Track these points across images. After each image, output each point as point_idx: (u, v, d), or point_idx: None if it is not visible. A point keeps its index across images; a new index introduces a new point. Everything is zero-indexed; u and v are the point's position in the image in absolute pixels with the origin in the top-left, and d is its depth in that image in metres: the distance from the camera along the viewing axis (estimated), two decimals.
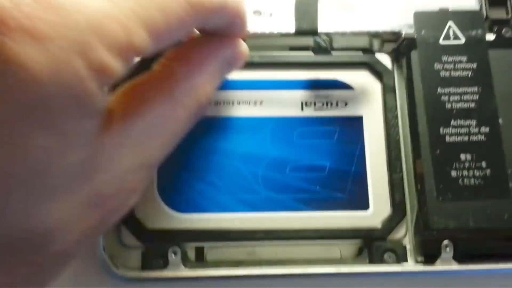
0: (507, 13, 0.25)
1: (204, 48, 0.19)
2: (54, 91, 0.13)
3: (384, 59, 0.24)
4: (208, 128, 0.23)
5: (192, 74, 0.18)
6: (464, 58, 0.23)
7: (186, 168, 0.22)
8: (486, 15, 0.25)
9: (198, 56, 0.18)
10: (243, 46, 0.21)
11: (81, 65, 0.13)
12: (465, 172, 0.22)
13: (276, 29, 0.24)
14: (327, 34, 0.24)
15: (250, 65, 0.23)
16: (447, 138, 0.22)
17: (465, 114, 0.22)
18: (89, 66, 0.13)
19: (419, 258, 0.22)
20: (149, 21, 0.15)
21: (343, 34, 0.24)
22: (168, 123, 0.18)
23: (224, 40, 0.20)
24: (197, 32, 0.19)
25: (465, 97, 0.22)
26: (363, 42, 0.24)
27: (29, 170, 0.14)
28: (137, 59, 0.18)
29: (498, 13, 0.25)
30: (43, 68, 0.12)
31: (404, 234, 0.22)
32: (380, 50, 0.25)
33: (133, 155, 0.17)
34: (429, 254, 0.22)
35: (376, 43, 0.24)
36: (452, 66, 0.23)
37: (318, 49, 0.24)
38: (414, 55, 0.23)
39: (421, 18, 0.24)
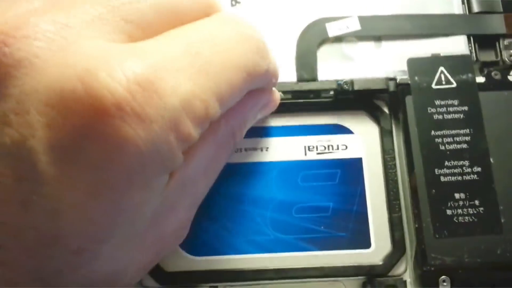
0: (496, 55, 0.26)
1: (244, 97, 0.21)
2: (151, 159, 0.16)
3: (381, 103, 0.26)
4: (219, 175, 0.25)
5: (232, 119, 0.21)
6: (455, 102, 0.24)
7: (200, 214, 0.24)
8: (476, 58, 0.26)
9: (238, 103, 0.21)
10: (276, 93, 0.24)
11: (173, 137, 0.16)
12: (459, 210, 0.23)
13: (279, 79, 0.26)
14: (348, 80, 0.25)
15: None
16: (442, 178, 0.24)
17: (458, 155, 0.24)
18: (178, 137, 0.16)
19: None
20: (220, 94, 0.17)
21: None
22: (212, 163, 0.21)
23: (260, 90, 0.22)
24: None
25: (458, 138, 0.24)
26: (381, 84, 0.26)
27: (123, 222, 0.16)
28: None
29: (488, 56, 0.26)
30: (145, 143, 0.15)
31: (404, 270, 0.24)
32: (395, 91, 0.26)
33: (188, 197, 0.20)
34: None
35: (391, 85, 0.26)
36: (444, 109, 0.24)
37: (340, 91, 0.25)
38: (409, 100, 0.25)
39: (414, 64, 0.25)
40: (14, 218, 0.15)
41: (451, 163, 0.24)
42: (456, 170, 0.24)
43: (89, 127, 0.15)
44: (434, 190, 0.23)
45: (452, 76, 0.25)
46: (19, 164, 0.14)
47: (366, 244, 0.24)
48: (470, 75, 0.25)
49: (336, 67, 0.26)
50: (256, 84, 0.21)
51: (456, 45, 0.26)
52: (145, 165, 0.16)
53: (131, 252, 0.18)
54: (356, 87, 0.25)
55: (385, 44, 0.26)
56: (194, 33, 0.18)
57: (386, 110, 0.26)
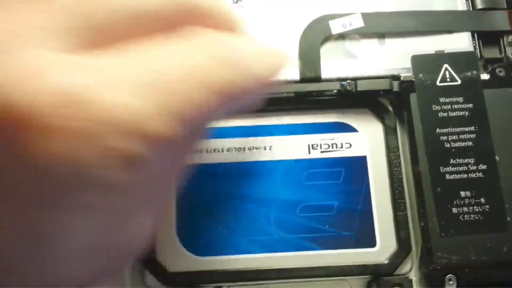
0: (500, 52, 0.26)
1: None
2: (76, 178, 0.14)
3: (385, 101, 0.26)
4: (222, 174, 0.24)
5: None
6: (460, 99, 0.24)
7: (203, 213, 0.24)
8: (480, 55, 0.26)
9: None
10: None
11: (108, 155, 0.14)
12: (465, 209, 0.23)
13: (281, 77, 0.25)
14: (352, 78, 0.25)
15: (259, 111, 0.24)
16: (447, 176, 0.23)
17: (463, 152, 0.24)
18: (118, 155, 0.14)
19: None
20: (181, 114, 0.15)
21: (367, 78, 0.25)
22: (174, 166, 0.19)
23: None
24: None
25: (463, 136, 0.24)
26: (385, 84, 0.25)
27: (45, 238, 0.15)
28: None
29: (492, 53, 0.26)
30: (65, 160, 0.14)
31: (410, 268, 0.24)
32: (399, 91, 0.25)
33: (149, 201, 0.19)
34: (433, 287, 0.23)
35: (395, 85, 0.25)
36: (449, 107, 0.24)
37: (344, 92, 0.25)
38: (413, 97, 0.24)
39: (418, 61, 0.25)
40: None
41: (456, 161, 0.24)
42: (461, 168, 0.23)
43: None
44: (439, 188, 0.23)
45: (456, 73, 0.25)
46: None
47: (372, 243, 0.24)
48: (474, 72, 0.25)
49: (340, 64, 0.26)
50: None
51: (460, 41, 0.26)
52: (68, 184, 0.14)
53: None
54: (359, 88, 0.25)
55: (388, 41, 0.26)
56: (157, 54, 0.16)
57: (390, 107, 0.26)
